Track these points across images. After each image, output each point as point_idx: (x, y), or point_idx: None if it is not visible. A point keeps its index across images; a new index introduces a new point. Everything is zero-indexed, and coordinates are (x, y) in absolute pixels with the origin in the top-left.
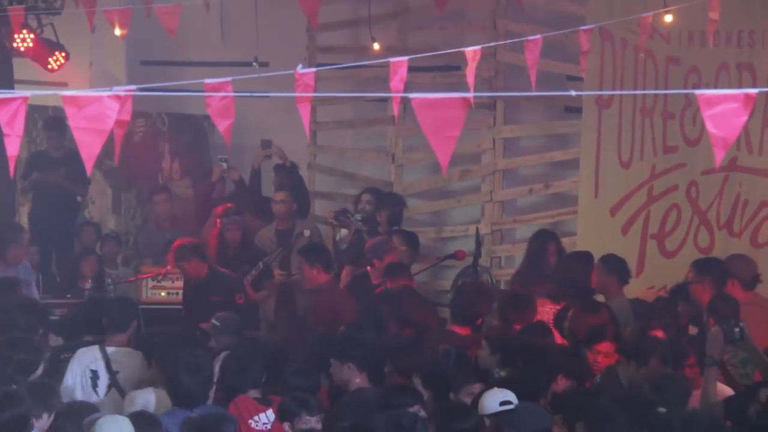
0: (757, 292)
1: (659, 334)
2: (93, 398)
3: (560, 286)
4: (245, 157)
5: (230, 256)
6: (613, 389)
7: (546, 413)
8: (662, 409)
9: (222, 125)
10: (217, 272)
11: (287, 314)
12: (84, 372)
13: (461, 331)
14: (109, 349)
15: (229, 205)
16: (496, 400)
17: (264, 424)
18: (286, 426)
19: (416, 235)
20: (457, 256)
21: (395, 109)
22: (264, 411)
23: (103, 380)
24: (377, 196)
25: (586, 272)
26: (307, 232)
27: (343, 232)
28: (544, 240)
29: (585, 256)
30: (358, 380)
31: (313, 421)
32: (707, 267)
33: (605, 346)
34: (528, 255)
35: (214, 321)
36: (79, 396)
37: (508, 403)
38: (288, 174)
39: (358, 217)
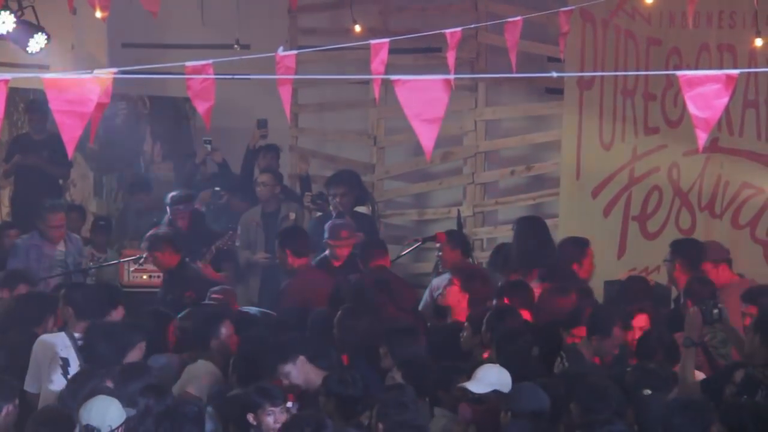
0: (741, 273)
1: (642, 319)
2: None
3: (552, 270)
4: (227, 139)
5: (182, 241)
6: (580, 367)
7: (544, 393)
8: (647, 391)
9: (202, 107)
10: (186, 265)
11: (271, 296)
12: (53, 360)
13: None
14: (77, 336)
15: (175, 192)
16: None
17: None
18: (251, 417)
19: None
20: (437, 238)
21: (376, 92)
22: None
23: (74, 368)
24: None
25: (576, 256)
26: (292, 215)
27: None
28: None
29: (581, 242)
30: None
31: (277, 412)
32: (681, 247)
33: (581, 330)
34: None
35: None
36: (52, 386)
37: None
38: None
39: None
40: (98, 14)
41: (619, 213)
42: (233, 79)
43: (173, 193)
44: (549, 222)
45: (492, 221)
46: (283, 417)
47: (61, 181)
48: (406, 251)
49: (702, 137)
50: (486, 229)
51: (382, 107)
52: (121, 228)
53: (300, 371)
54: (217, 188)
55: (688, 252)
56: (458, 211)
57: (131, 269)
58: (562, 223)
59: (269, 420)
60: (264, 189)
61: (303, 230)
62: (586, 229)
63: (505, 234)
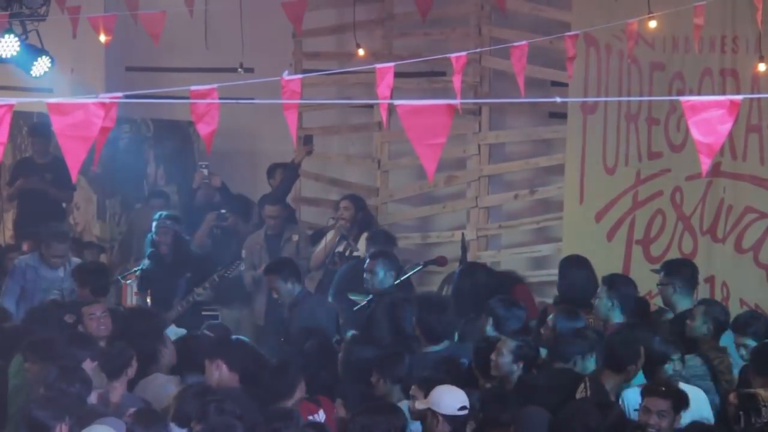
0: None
1: None
2: None
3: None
4: (230, 162)
5: (164, 258)
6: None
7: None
8: None
9: (204, 131)
10: None
11: (277, 319)
12: None
13: None
14: None
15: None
16: (455, 403)
17: None
18: None
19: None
20: (438, 262)
21: (383, 116)
22: (317, 412)
23: None
24: (356, 203)
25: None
26: (295, 237)
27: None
28: None
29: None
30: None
31: None
32: (676, 268)
33: None
34: None
35: (205, 331)
36: None
37: (464, 408)
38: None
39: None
40: (102, 38)
41: (622, 237)
42: (238, 103)
43: (163, 212)
44: (552, 246)
45: (496, 245)
46: None
47: (64, 205)
48: (408, 274)
49: (705, 162)
50: (490, 253)
51: (386, 131)
52: (125, 251)
53: None
54: (223, 210)
55: (685, 272)
56: (462, 234)
57: (134, 293)
58: (566, 247)
59: None
60: (275, 221)
61: (290, 259)
62: (590, 253)
63: (509, 257)
